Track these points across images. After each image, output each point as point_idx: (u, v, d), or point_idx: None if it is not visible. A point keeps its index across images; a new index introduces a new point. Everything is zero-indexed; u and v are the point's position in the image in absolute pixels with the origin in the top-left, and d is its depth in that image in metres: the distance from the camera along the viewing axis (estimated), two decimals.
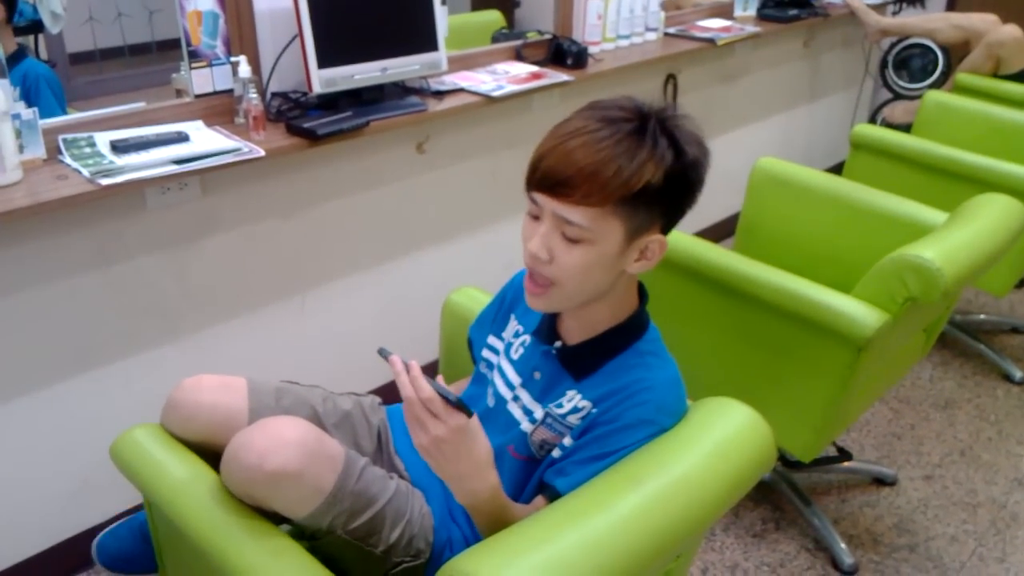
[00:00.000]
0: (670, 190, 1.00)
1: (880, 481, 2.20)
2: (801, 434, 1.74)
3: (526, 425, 1.14)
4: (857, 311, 1.58)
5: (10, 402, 1.65)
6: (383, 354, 0.98)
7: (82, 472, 1.79)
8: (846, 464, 2.21)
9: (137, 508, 1.38)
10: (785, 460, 2.12)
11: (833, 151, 3.99)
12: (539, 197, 1.01)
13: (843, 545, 1.94)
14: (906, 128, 2.93)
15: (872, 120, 3.97)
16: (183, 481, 1.14)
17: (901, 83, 3.78)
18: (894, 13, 3.81)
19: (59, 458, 1.76)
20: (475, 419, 0.99)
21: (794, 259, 1.95)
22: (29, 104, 1.57)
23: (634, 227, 1.01)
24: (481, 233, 2.46)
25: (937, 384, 2.63)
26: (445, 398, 0.95)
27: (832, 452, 2.23)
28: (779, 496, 2.11)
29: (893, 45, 3.74)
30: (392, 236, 2.23)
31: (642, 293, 1.14)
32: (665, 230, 1.06)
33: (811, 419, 1.72)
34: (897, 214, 1.96)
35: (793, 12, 3.20)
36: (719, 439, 1.09)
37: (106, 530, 1.38)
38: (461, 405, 0.96)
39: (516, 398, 1.18)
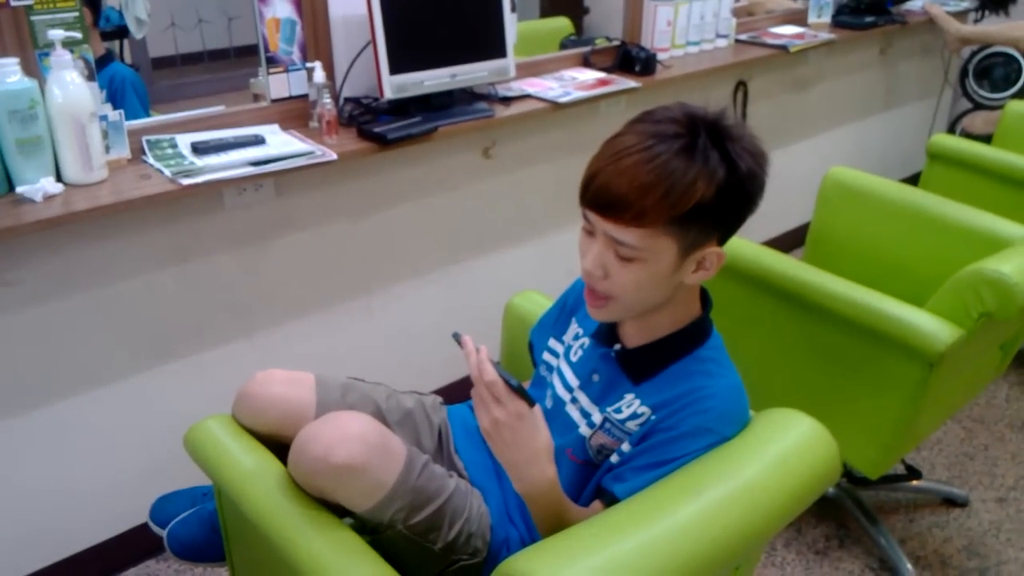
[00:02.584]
0: (723, 205, 0.99)
1: (951, 502, 2.13)
2: (868, 450, 1.70)
3: (584, 429, 1.15)
4: (930, 325, 1.54)
5: (91, 391, 1.73)
6: (456, 337, 1.01)
7: (157, 460, 1.86)
8: (915, 483, 2.15)
9: (200, 499, 1.43)
10: (851, 476, 2.07)
11: (909, 162, 3.88)
12: (591, 216, 1.02)
13: (909, 566, 1.89)
14: (986, 139, 2.84)
15: (951, 130, 3.85)
16: (251, 471, 1.18)
17: (982, 92, 3.66)
18: (976, 21, 3.69)
19: (135, 446, 1.83)
20: (537, 409, 1.02)
21: (866, 271, 1.91)
22: (115, 106, 1.64)
23: (688, 243, 1.00)
24: (544, 238, 2.47)
25: (1014, 404, 2.53)
26: (507, 383, 0.99)
27: (901, 470, 2.16)
28: (844, 513, 2.06)
29: (974, 53, 3.63)
30: (457, 240, 2.26)
31: (706, 299, 1.14)
32: (722, 241, 1.05)
33: (879, 435, 1.68)
34: (974, 227, 1.90)
35: (869, 19, 3.13)
36: (782, 450, 1.08)
37: (177, 519, 1.43)
38: (523, 393, 1.00)
39: (574, 400, 1.18)
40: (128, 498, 1.86)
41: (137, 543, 1.88)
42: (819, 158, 3.35)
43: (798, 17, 3.14)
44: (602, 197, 0.99)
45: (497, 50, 2.05)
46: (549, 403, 1.23)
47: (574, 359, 1.21)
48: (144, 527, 1.88)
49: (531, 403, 1.01)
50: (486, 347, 1.00)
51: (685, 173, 0.96)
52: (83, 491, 1.79)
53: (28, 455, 1.69)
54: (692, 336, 1.10)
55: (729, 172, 0.98)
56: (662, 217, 0.97)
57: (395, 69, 1.86)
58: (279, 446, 1.21)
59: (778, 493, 1.04)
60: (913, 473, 2.15)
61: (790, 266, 1.74)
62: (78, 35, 1.53)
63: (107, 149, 1.61)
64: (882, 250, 2.04)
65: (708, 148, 0.97)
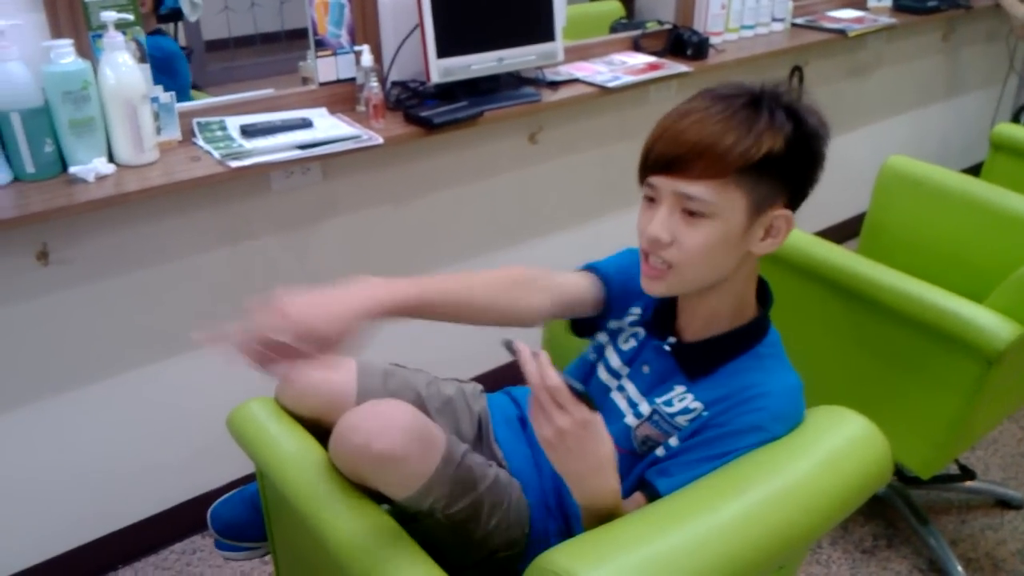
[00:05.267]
0: (792, 160, 0.97)
1: (1005, 504, 2.07)
2: (921, 449, 1.65)
3: (631, 419, 1.13)
4: (990, 322, 1.49)
5: (139, 369, 1.76)
6: (508, 345, 0.94)
7: (201, 440, 1.89)
8: (968, 483, 2.08)
9: (249, 477, 1.45)
10: (902, 475, 2.01)
11: (970, 151, 3.75)
12: (656, 179, 0.99)
13: (960, 568, 1.83)
14: None
15: (1015, 119, 3.71)
16: (293, 455, 1.18)
17: None
18: None
19: (183, 424, 1.86)
20: (599, 416, 0.95)
21: (923, 264, 1.85)
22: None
23: (758, 200, 0.98)
24: (590, 225, 2.44)
25: None
26: (572, 389, 0.92)
27: (954, 470, 2.10)
28: (893, 512, 2.01)
29: None
30: (501, 225, 2.24)
31: (767, 298, 1.11)
32: (790, 205, 1.02)
33: (933, 434, 1.63)
34: None
35: (932, 3, 3.01)
36: (831, 450, 1.04)
37: (221, 498, 1.45)
38: (588, 399, 0.93)
39: (621, 388, 1.16)
40: (174, 475, 1.89)
41: (183, 519, 1.92)
42: (876, 147, 3.25)
43: (858, 0, 3.04)
44: (670, 153, 0.97)
45: (545, 33, 2.02)
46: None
47: (624, 347, 1.19)
48: (189, 504, 1.93)
49: (594, 408, 0.93)
50: (546, 352, 0.93)
51: (753, 124, 0.96)
52: (130, 467, 1.83)
53: (80, 430, 1.73)
54: (751, 334, 1.08)
55: (796, 126, 0.98)
56: (732, 166, 0.95)
57: (442, 53, 1.85)
58: (321, 430, 1.21)
59: (826, 494, 1.01)
60: (967, 473, 2.08)
61: (844, 257, 1.69)
62: (131, 17, 1.55)
63: (158, 131, 1.63)
64: (941, 243, 1.97)
65: (774, 106, 0.98)
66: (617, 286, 1.19)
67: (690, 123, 0.97)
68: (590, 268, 1.22)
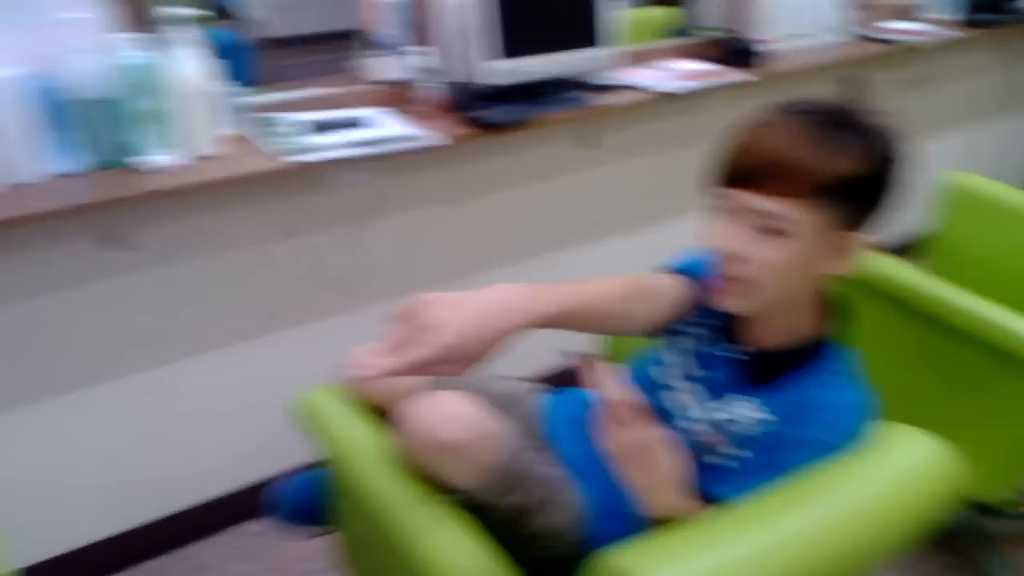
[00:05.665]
0: (871, 185, 0.97)
1: None
2: (993, 477, 1.59)
3: (688, 423, 1.11)
4: None
5: (199, 356, 1.79)
6: (568, 357, 0.94)
7: (261, 426, 1.90)
8: None
9: (307, 465, 1.45)
10: (975, 504, 1.93)
11: None
12: (734, 192, 0.98)
13: None
14: None
15: None
16: (358, 442, 1.19)
17: None
18: None
19: (243, 411, 1.89)
20: (666, 432, 0.96)
21: (991, 284, 1.79)
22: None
23: (833, 221, 0.97)
24: (643, 230, 2.43)
25: None
26: (638, 404, 0.92)
27: None
28: (963, 542, 1.93)
29: None
30: (554, 228, 2.24)
31: (841, 312, 1.09)
32: (860, 228, 1.01)
33: (1006, 461, 1.57)
34: None
35: (991, 17, 2.96)
36: (901, 470, 1.02)
37: (282, 483, 1.46)
38: (652, 413, 0.94)
39: (678, 389, 1.15)
40: (233, 461, 1.91)
41: (242, 504, 1.93)
42: (931, 162, 3.19)
43: (915, 13, 2.99)
44: (747, 169, 0.97)
45: (599, 38, 2.01)
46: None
47: (687, 349, 1.17)
48: (250, 489, 1.94)
49: (659, 424, 0.95)
50: (610, 365, 0.94)
51: (837, 144, 0.95)
52: (184, 451, 1.85)
53: (142, 412, 1.76)
54: (817, 349, 1.06)
55: (875, 151, 0.97)
56: (810, 187, 0.94)
57: (498, 55, 1.85)
58: (386, 416, 1.21)
59: (892, 516, 0.99)
60: None
61: (912, 276, 1.64)
62: (199, 11, 1.57)
63: (219, 124, 1.65)
64: (1010, 262, 1.91)
65: (858, 128, 0.97)
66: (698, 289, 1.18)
67: (773, 138, 0.96)
68: (674, 270, 1.19)
